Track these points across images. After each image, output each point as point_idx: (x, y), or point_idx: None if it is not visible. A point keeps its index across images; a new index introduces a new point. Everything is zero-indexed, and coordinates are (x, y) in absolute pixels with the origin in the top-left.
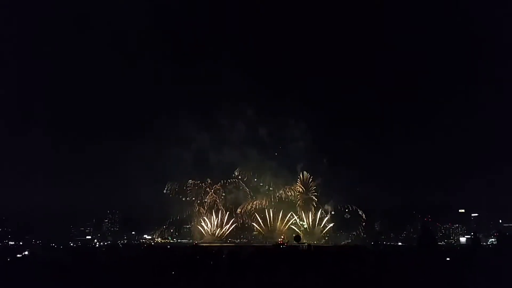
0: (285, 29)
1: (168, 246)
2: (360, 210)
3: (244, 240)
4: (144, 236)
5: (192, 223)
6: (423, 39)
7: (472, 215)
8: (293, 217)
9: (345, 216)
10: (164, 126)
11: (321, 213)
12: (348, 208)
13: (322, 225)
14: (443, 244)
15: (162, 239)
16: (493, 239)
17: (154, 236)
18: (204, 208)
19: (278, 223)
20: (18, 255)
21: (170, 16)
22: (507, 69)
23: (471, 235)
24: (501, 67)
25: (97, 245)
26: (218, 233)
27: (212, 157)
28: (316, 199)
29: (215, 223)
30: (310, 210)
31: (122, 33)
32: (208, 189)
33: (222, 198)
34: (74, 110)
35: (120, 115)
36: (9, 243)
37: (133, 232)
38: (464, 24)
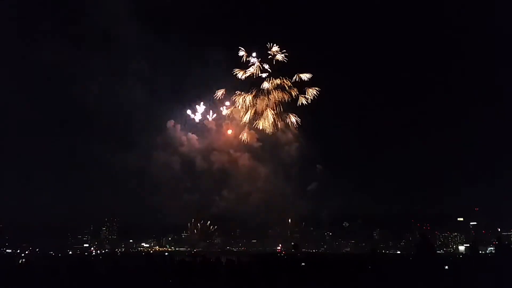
0: (282, 30)
1: (166, 254)
2: (358, 218)
3: (243, 248)
4: (142, 244)
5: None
6: (422, 43)
7: (471, 223)
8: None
9: (343, 224)
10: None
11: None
12: (345, 216)
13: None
14: (441, 253)
15: (159, 247)
16: (492, 248)
17: (152, 244)
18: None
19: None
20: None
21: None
22: (505, 73)
23: (470, 244)
24: (499, 71)
25: (93, 253)
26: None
27: (201, 163)
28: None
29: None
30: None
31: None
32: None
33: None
34: (72, 117)
35: (119, 120)
36: (6, 250)
37: (130, 240)
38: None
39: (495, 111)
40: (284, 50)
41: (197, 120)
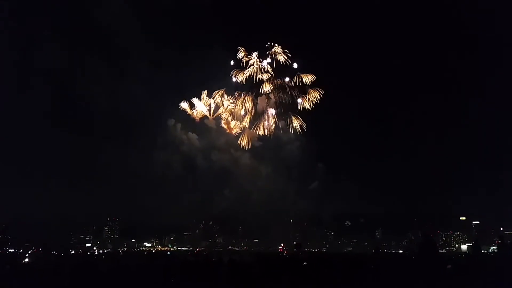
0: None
1: (168, 253)
2: (360, 217)
3: (245, 247)
4: (144, 243)
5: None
6: (423, 43)
7: (473, 222)
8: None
9: (346, 223)
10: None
11: None
12: (348, 215)
13: None
14: (444, 252)
15: (162, 246)
16: (494, 247)
17: (154, 244)
18: None
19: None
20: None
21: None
22: (505, 71)
23: (472, 243)
24: (499, 68)
25: (95, 253)
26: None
27: (202, 162)
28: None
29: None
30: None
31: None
32: None
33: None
34: (73, 117)
35: (120, 120)
36: (9, 250)
37: (133, 240)
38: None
39: (497, 110)
40: (287, 51)
41: (196, 117)
